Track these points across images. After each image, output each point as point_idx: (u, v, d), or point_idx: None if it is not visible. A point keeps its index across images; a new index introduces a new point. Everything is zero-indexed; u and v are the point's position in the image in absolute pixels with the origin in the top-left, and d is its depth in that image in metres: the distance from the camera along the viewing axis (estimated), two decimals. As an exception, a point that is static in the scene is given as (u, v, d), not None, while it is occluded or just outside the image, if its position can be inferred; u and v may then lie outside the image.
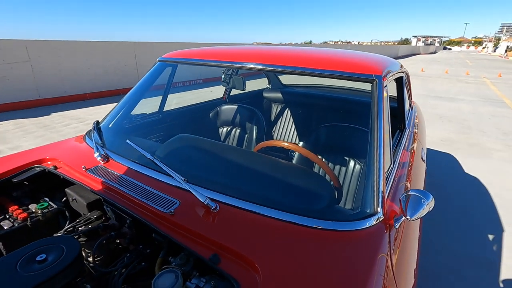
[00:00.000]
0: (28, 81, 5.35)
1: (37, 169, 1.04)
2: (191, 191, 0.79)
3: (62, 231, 0.87)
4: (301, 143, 1.89)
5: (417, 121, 2.00)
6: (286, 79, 2.56)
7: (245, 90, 1.70)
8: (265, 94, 2.38)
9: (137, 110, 1.51)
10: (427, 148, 3.61)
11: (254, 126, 1.72)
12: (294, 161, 1.28)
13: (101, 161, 1.01)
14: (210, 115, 1.93)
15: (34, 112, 5.07)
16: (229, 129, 1.88)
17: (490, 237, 1.98)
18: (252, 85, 2.48)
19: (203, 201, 0.76)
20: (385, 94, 0.98)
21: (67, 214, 0.96)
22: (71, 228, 0.87)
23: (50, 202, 0.98)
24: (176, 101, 2.19)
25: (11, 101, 5.14)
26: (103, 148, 1.08)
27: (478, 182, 2.75)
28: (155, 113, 1.69)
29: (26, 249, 0.68)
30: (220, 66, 1.24)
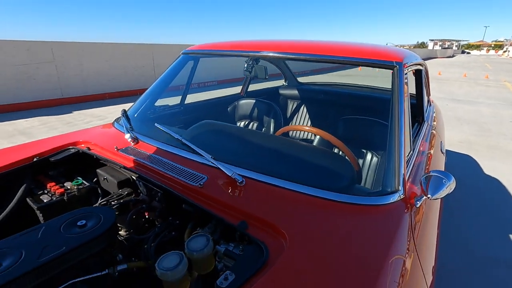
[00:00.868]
0: (52, 81, 5.60)
1: (71, 150, 1.11)
2: (218, 166, 0.84)
3: (97, 204, 0.93)
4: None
5: (435, 116, 1.99)
6: (302, 79, 2.59)
7: (267, 78, 1.75)
8: (281, 91, 2.42)
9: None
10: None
11: (272, 120, 1.75)
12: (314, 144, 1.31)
13: (131, 142, 1.08)
14: (228, 109, 1.99)
15: (57, 110, 5.29)
16: (246, 122, 1.93)
17: (510, 235, 1.93)
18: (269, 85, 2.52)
19: (230, 175, 0.80)
20: (405, 81, 1.00)
21: (99, 191, 1.03)
22: (104, 202, 0.93)
23: (83, 181, 1.05)
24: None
25: (36, 100, 5.39)
26: (132, 131, 1.14)
27: (498, 183, 2.68)
28: (177, 105, 1.76)
29: (69, 215, 0.74)
30: (242, 55, 1.29)
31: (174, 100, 1.76)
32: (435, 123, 1.82)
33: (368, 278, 0.56)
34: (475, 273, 1.58)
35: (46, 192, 0.99)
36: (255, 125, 1.88)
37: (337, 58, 1.03)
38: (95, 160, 1.08)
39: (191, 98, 1.85)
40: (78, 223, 0.72)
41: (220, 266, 0.67)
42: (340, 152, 1.20)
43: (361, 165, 1.41)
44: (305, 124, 2.18)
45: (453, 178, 0.78)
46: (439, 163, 1.37)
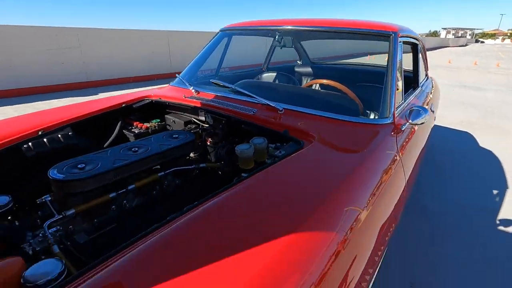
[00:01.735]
0: (78, 65, 6.02)
1: (147, 100, 1.49)
2: (264, 102, 1.21)
3: None
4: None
5: (432, 89, 2.30)
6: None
7: (292, 47, 2.12)
8: (296, 69, 2.75)
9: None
10: (444, 127, 3.84)
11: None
12: None
13: (194, 92, 1.45)
14: (253, 79, 2.34)
15: (84, 92, 5.72)
16: None
17: (494, 190, 2.26)
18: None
19: (273, 105, 1.18)
20: (399, 48, 1.33)
21: (172, 128, 1.41)
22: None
23: (159, 121, 1.43)
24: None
25: (64, 83, 5.83)
26: (191, 85, 1.52)
27: (491, 154, 2.98)
28: (213, 74, 2.12)
29: (167, 132, 1.13)
30: (270, 29, 1.67)
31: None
32: (431, 95, 2.13)
33: (362, 162, 0.91)
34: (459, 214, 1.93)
35: (133, 128, 1.37)
36: None
37: (342, 29, 1.38)
38: (165, 107, 1.46)
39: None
40: (174, 135, 1.10)
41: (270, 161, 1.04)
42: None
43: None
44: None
45: (428, 111, 1.13)
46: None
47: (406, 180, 1.10)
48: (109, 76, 6.55)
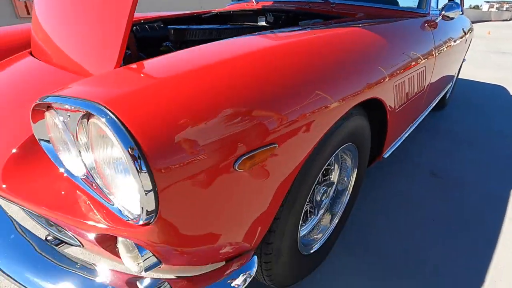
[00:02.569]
0: None
1: (213, 12, 1.73)
2: None
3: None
4: None
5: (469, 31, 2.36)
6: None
7: None
8: None
9: None
10: (478, 81, 3.88)
11: None
12: None
13: (254, 2, 1.69)
14: None
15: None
16: None
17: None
18: None
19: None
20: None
21: None
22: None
23: None
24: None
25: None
26: None
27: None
28: None
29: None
30: None
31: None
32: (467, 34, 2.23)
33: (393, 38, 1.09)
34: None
35: None
36: None
37: None
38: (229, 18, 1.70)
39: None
40: None
41: None
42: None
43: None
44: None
45: (460, 8, 1.32)
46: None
47: (430, 81, 1.32)
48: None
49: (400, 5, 1.43)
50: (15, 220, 0.67)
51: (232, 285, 0.58)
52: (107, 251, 0.59)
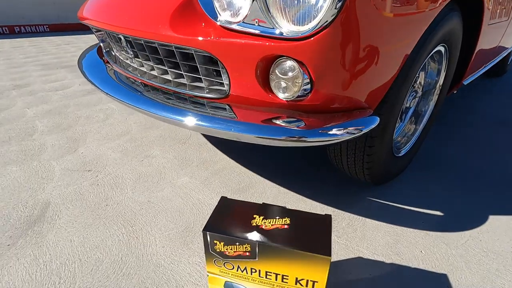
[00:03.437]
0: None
1: None
2: None
3: None
4: None
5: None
6: None
7: None
8: None
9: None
10: None
11: None
12: None
13: None
14: None
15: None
16: None
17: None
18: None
19: None
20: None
21: None
22: None
23: None
24: None
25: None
26: None
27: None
28: None
29: None
30: None
31: None
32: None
33: None
34: None
35: None
36: None
37: None
38: None
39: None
40: None
41: None
42: None
43: None
44: None
45: None
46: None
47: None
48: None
49: None
50: None
51: (351, 131, 0.71)
52: (259, 85, 0.72)
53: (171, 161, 1.40)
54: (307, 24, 0.62)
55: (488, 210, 1.10)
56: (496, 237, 0.97)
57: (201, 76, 0.82)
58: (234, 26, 0.68)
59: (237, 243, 0.54)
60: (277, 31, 0.63)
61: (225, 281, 0.61)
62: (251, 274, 0.57)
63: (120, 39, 1.04)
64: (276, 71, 0.69)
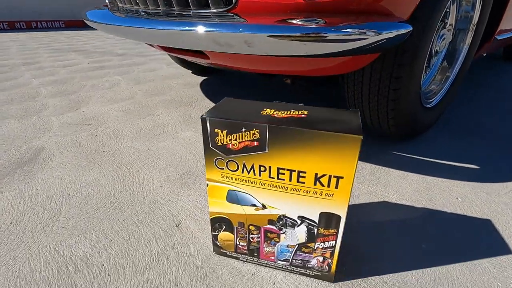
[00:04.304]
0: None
1: None
2: None
3: None
4: None
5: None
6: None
7: None
8: None
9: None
10: None
11: None
12: None
13: None
14: None
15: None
16: None
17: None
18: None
19: None
20: None
21: None
22: None
23: None
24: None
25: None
26: None
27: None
28: None
29: None
30: None
31: None
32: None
33: None
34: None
35: None
36: None
37: None
38: None
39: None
40: None
41: None
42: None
43: None
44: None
45: None
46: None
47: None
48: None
49: None
50: None
51: (381, 30, 0.60)
52: None
53: (175, 118, 1.31)
54: None
55: (531, 166, 0.96)
56: (545, 189, 0.83)
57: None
58: None
59: (243, 129, 0.43)
60: None
61: (228, 190, 0.50)
62: (260, 175, 0.47)
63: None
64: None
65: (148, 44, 1.18)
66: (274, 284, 0.53)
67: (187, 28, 0.68)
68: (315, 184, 0.44)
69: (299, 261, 0.52)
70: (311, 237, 0.49)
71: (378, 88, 0.84)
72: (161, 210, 0.71)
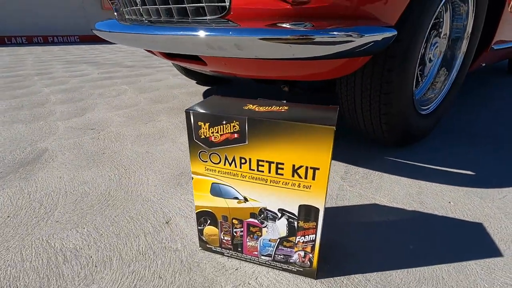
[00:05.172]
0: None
1: None
2: None
3: None
4: None
5: None
6: None
7: None
8: None
9: None
10: None
11: None
12: None
13: None
14: None
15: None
16: None
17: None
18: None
19: None
20: None
21: None
22: None
23: None
24: None
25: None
26: None
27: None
28: None
29: None
30: None
31: None
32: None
33: None
34: None
35: None
36: None
37: None
38: None
39: None
40: None
41: None
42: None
43: None
44: None
45: None
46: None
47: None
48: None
49: None
50: None
51: (367, 33, 0.62)
52: None
53: (175, 124, 1.34)
54: None
55: (529, 173, 0.95)
56: (542, 195, 0.82)
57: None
58: None
59: (224, 122, 0.45)
60: None
61: (212, 183, 0.52)
62: (241, 167, 0.48)
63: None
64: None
65: (148, 51, 1.23)
66: (256, 278, 0.53)
67: (182, 33, 0.71)
68: (293, 175, 0.45)
69: (281, 256, 0.53)
70: (291, 230, 0.50)
71: (370, 93, 0.86)
72: (153, 208, 0.73)
